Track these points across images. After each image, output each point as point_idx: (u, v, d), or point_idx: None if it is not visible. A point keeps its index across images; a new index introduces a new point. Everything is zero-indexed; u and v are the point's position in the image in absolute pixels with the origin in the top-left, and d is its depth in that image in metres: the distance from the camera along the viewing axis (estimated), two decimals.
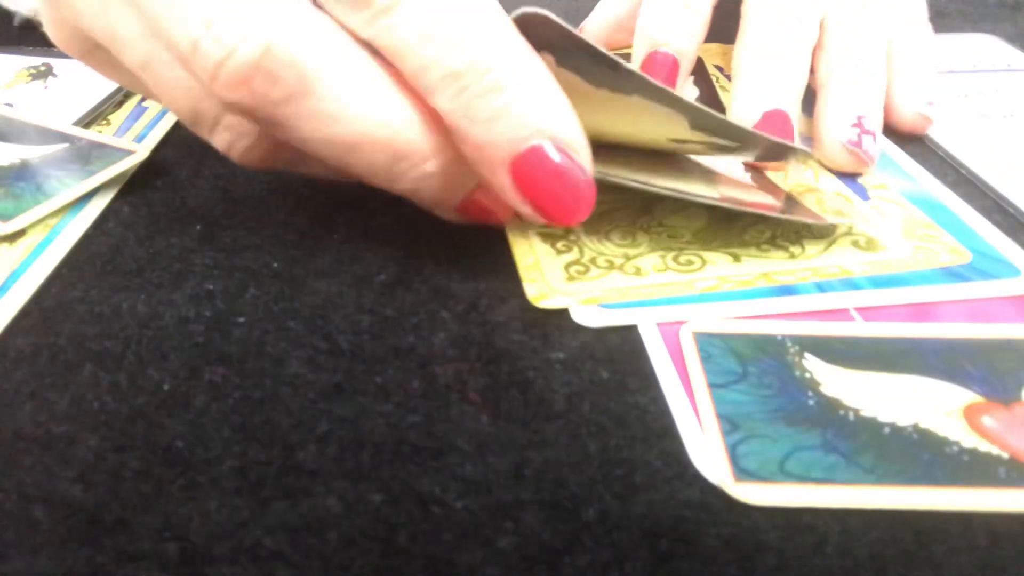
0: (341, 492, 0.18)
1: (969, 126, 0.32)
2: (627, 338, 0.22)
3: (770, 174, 0.29)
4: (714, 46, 0.39)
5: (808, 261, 0.24)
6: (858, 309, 0.23)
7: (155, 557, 0.16)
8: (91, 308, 0.23)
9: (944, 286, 0.23)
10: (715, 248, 0.25)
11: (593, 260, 0.24)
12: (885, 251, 0.25)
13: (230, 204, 0.27)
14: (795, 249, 0.25)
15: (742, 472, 0.18)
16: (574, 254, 0.25)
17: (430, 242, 0.25)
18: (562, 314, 0.22)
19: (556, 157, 0.20)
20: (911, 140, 0.31)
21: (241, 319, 0.22)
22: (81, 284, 0.23)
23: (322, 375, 0.20)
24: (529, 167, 0.21)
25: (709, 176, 0.27)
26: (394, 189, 0.23)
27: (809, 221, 0.25)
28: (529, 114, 0.20)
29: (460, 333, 0.22)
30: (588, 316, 0.22)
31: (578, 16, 0.39)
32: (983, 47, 0.40)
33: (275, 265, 0.24)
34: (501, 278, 0.24)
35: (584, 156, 0.21)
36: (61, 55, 0.37)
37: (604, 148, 0.23)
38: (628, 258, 0.24)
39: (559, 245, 0.25)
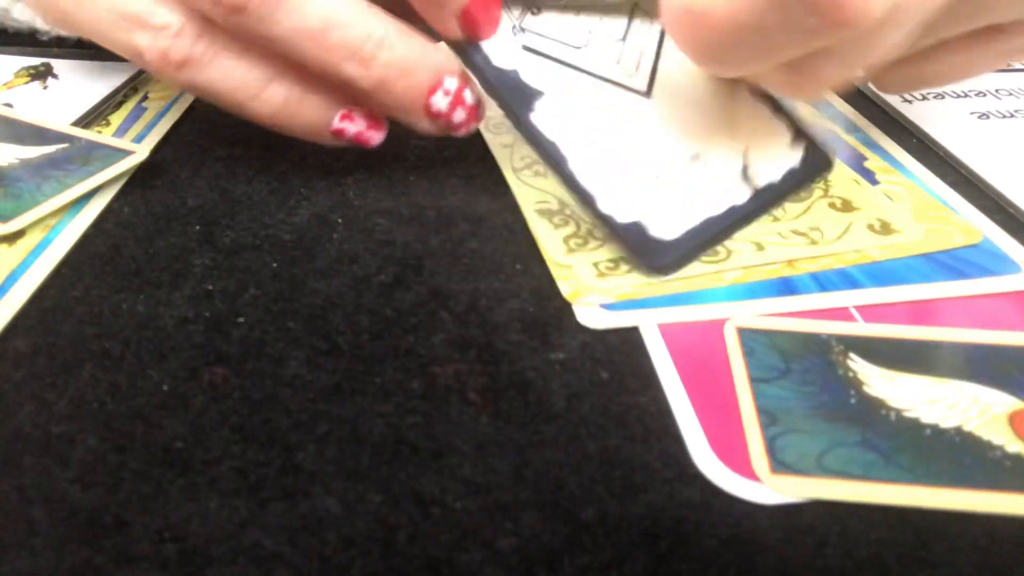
0: (340, 493, 0.18)
1: (969, 126, 0.32)
2: (627, 338, 0.22)
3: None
4: None
5: (828, 246, 0.24)
6: (857, 308, 0.23)
7: (155, 557, 0.16)
8: (90, 308, 0.23)
9: (944, 283, 0.23)
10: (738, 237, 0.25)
11: (590, 232, 0.24)
12: (899, 234, 0.25)
13: (230, 204, 0.27)
14: (815, 235, 0.25)
15: (779, 464, 0.18)
16: (571, 228, 0.25)
17: (430, 242, 0.25)
18: (562, 314, 0.22)
19: None
20: (910, 136, 0.31)
21: (241, 319, 0.22)
22: (81, 284, 0.23)
23: (322, 375, 0.20)
24: None
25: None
26: (363, 82, 0.24)
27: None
28: None
29: (460, 333, 0.22)
30: (589, 316, 0.22)
31: None
32: None
33: (275, 265, 0.24)
34: (501, 278, 0.24)
35: None
36: (61, 55, 0.37)
37: None
38: None
39: (555, 220, 0.25)
